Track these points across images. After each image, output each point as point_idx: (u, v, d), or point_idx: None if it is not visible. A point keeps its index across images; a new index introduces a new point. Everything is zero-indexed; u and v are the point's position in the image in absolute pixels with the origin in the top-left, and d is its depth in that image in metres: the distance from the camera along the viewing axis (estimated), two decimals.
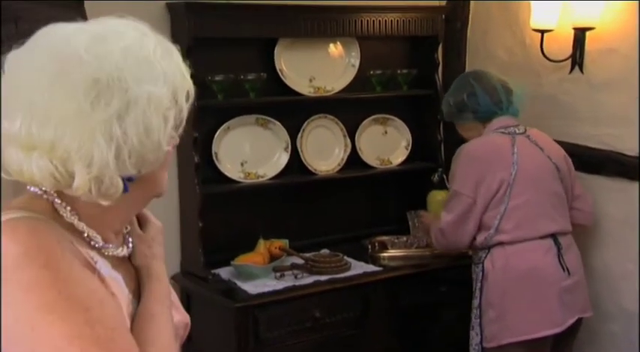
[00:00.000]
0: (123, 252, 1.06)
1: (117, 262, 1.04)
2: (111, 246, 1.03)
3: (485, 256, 2.38)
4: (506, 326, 2.30)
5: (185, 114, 1.00)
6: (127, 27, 0.98)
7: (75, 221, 0.98)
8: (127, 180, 0.95)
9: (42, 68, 0.92)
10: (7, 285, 0.87)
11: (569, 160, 2.49)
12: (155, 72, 0.94)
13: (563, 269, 2.33)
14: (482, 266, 2.38)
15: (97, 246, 1.00)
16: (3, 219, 0.92)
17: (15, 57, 0.95)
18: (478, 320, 2.38)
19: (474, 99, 2.45)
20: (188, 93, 1.00)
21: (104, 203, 0.95)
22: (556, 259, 2.34)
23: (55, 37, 0.95)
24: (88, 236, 0.99)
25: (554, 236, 2.36)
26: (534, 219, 2.34)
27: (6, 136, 0.93)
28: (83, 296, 0.89)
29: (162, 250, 1.15)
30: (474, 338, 2.41)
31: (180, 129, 1.00)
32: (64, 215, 0.97)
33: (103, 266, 0.98)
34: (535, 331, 2.29)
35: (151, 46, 0.96)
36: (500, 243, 2.34)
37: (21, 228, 0.91)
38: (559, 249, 2.35)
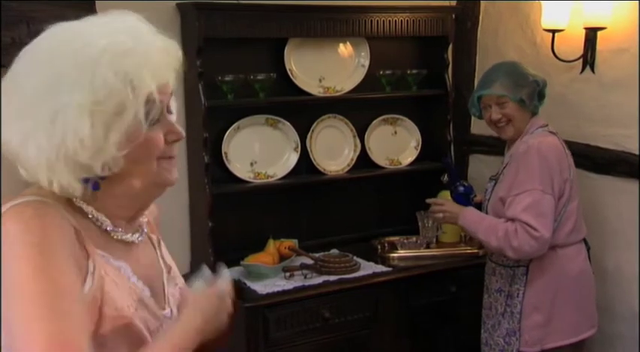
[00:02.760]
0: (132, 237, 1.09)
1: (125, 249, 1.07)
2: (120, 229, 1.06)
3: (531, 259, 2.27)
4: (553, 330, 2.26)
5: (142, 117, 0.97)
6: (103, 26, 0.99)
7: (83, 205, 1.03)
8: (100, 179, 0.99)
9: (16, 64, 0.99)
10: (6, 260, 0.93)
11: None
12: (96, 79, 0.93)
13: (592, 271, 2.36)
14: (527, 270, 2.28)
15: (107, 229, 1.04)
16: (14, 202, 0.98)
17: (21, 53, 1.01)
18: (519, 325, 2.28)
19: (543, 88, 2.33)
20: (150, 95, 0.97)
21: (79, 201, 1.01)
22: (588, 261, 2.36)
23: (46, 36, 1.00)
24: (96, 218, 1.03)
25: (584, 239, 2.37)
26: (581, 223, 2.33)
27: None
28: (58, 285, 0.92)
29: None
30: (513, 344, 2.30)
31: (144, 127, 0.98)
32: (75, 200, 1.02)
33: (105, 255, 1.02)
34: (580, 333, 2.28)
35: (110, 49, 0.95)
36: (553, 247, 2.25)
37: (28, 211, 0.96)
38: (589, 251, 2.36)
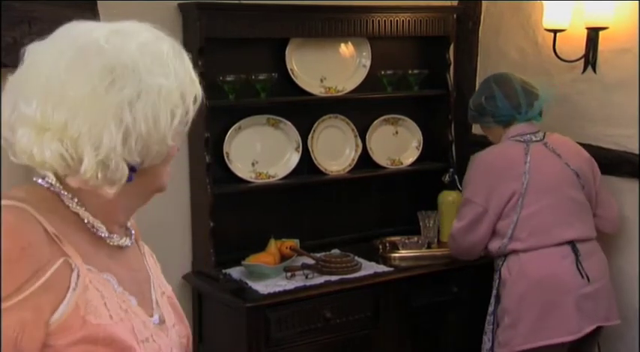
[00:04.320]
0: (126, 242, 1.08)
1: (115, 255, 1.06)
2: (115, 236, 1.06)
3: (502, 264, 2.39)
4: (520, 333, 2.29)
5: (191, 115, 1.04)
6: (142, 28, 1.03)
7: (80, 211, 1.01)
8: (131, 171, 0.99)
9: (61, 53, 0.96)
10: None
11: (595, 165, 2.48)
12: (167, 69, 0.99)
13: (582, 276, 2.30)
14: (500, 274, 2.39)
15: (103, 235, 1.03)
16: None
17: (36, 46, 0.99)
18: (491, 327, 2.39)
19: (492, 102, 2.45)
20: (196, 97, 1.04)
21: (109, 190, 0.98)
22: (574, 266, 2.31)
23: (77, 29, 1.00)
24: (93, 226, 1.02)
25: (572, 243, 2.34)
26: (550, 227, 2.33)
27: (20, 118, 0.96)
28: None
29: None
30: (486, 344, 2.42)
31: (186, 129, 1.04)
32: (70, 205, 1.00)
33: (90, 268, 0.99)
34: (548, 338, 2.27)
35: (164, 46, 1.01)
36: (515, 251, 2.35)
37: (7, 218, 0.93)
38: (577, 255, 2.32)
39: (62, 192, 1.01)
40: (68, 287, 0.95)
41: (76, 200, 1.01)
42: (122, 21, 1.03)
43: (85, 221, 1.02)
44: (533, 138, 2.42)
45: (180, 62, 1.02)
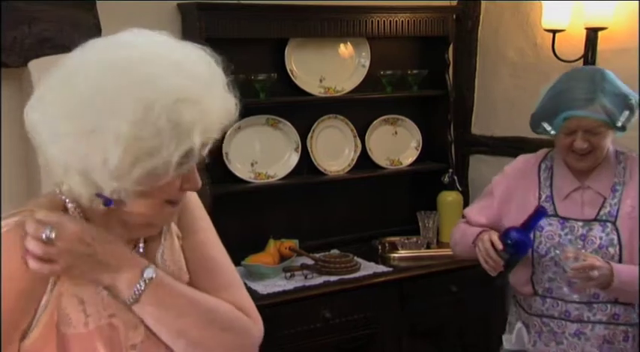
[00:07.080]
0: None
1: None
2: None
3: None
4: None
5: (173, 166, 0.97)
6: (179, 65, 0.99)
7: (77, 218, 1.04)
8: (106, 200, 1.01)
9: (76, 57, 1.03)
10: None
11: None
12: (148, 117, 0.93)
13: None
14: None
15: None
16: (7, 220, 1.02)
17: None
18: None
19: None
20: (188, 151, 0.99)
21: (76, 214, 1.03)
22: None
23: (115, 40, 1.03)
24: None
25: None
26: None
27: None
28: None
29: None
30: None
31: (165, 177, 0.98)
32: (70, 212, 1.04)
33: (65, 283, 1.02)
34: None
35: (174, 94, 0.95)
36: None
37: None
38: None
39: (67, 200, 1.04)
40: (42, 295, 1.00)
41: (78, 210, 1.04)
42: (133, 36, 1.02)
43: None
44: None
45: (190, 113, 0.96)
